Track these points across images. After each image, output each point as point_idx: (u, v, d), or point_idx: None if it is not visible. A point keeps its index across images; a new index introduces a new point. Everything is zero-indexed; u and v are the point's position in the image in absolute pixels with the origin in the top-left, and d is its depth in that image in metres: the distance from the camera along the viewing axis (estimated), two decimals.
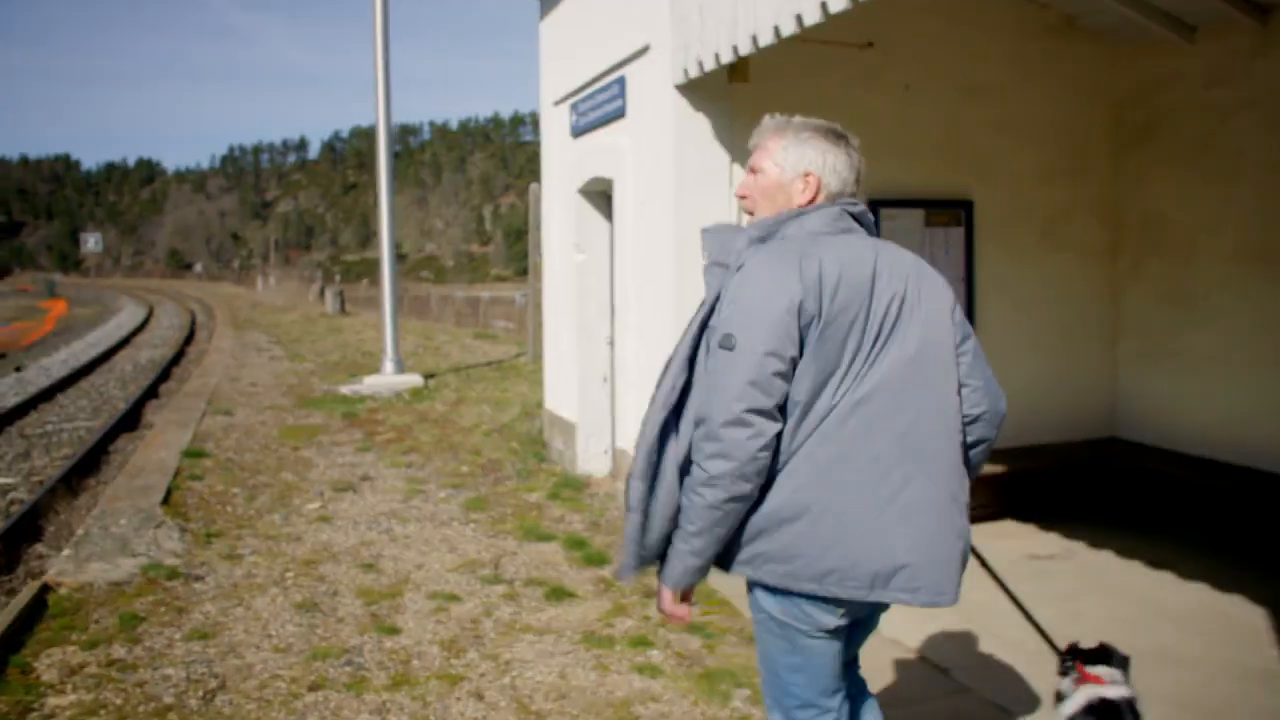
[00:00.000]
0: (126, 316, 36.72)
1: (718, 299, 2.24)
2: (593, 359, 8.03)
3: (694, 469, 2.17)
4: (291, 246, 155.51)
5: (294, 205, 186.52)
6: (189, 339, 25.51)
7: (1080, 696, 2.86)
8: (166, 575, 5.37)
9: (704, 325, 2.26)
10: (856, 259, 2.23)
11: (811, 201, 2.35)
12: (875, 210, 6.52)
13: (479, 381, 13.15)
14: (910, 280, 2.29)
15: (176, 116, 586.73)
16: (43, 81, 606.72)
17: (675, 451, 2.24)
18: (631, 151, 6.75)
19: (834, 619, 2.28)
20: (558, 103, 8.40)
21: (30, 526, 7.27)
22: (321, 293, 35.04)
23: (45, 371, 18.70)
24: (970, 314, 6.77)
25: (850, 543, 2.17)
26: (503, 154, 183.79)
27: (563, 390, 8.55)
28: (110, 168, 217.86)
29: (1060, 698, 2.96)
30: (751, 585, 2.34)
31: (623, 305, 7.07)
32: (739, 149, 6.16)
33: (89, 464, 9.79)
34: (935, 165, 6.77)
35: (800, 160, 2.36)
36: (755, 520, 2.20)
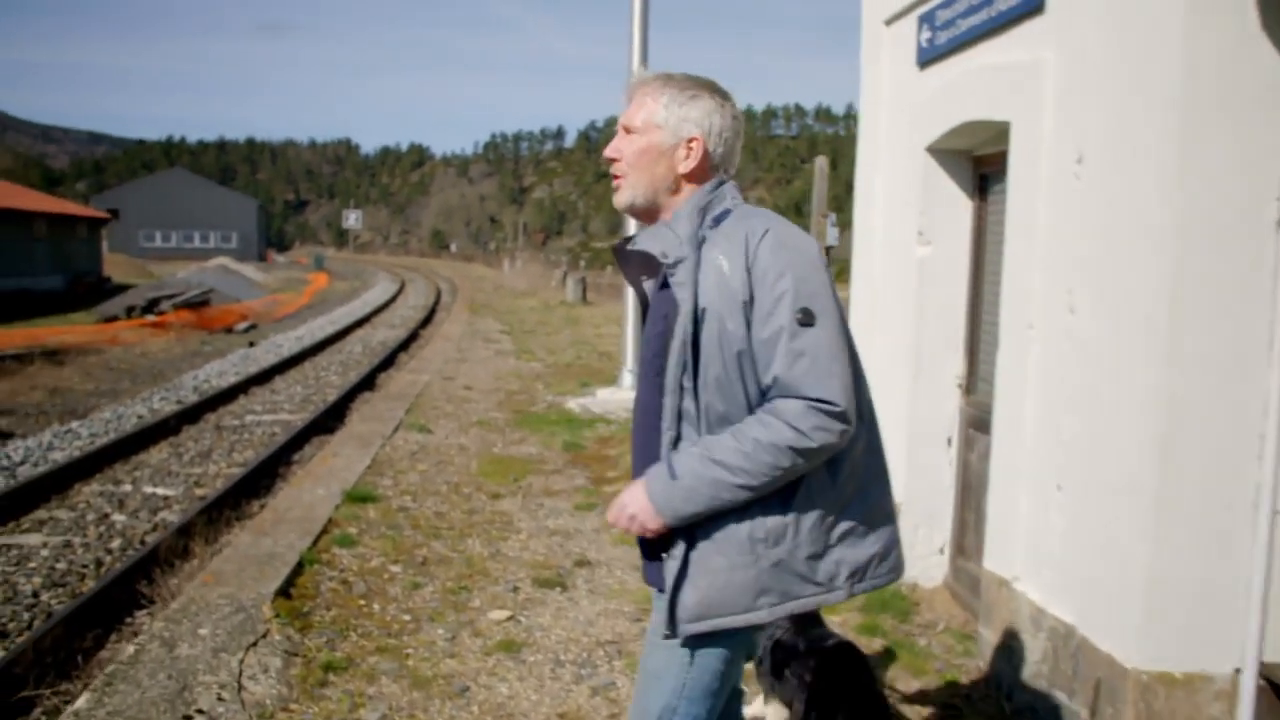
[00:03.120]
0: (377, 293, 36.79)
1: (698, 309, 2.00)
2: (931, 409, 5.24)
3: (778, 426, 1.94)
4: (544, 231, 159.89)
5: (549, 191, 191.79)
6: (427, 320, 24.47)
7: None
8: None
9: (694, 340, 2.01)
10: None
11: (696, 171, 2.14)
12: None
13: None
14: None
15: (445, 105, 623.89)
16: (329, 72, 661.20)
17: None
18: (1055, 70, 3.89)
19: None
20: (895, 18, 5.60)
21: (124, 594, 5.29)
22: (564, 278, 33.60)
23: (275, 349, 17.81)
24: None
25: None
26: (753, 147, 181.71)
27: None
28: (385, 151, 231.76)
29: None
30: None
31: (1010, 329, 4.23)
32: None
33: (264, 476, 7.99)
34: None
35: (684, 122, 2.13)
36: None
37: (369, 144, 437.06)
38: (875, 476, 2.16)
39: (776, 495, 2.00)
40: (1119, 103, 3.49)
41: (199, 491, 7.75)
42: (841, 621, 4.75)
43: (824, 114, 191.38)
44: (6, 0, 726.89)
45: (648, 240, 2.12)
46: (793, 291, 1.96)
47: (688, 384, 2.02)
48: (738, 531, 2.01)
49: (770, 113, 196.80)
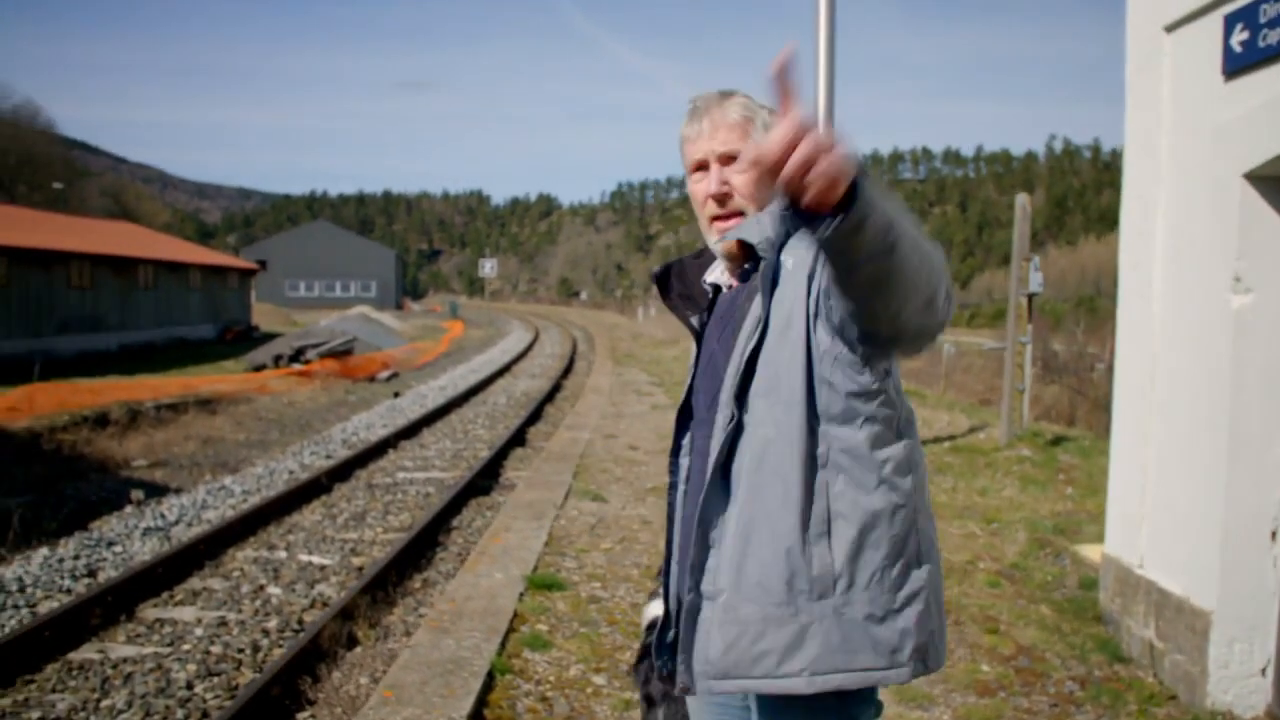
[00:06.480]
0: (513, 341, 36.77)
1: (768, 318, 1.71)
2: (1251, 496, 4.21)
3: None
4: None
5: (674, 239, 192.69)
6: (567, 370, 24.02)
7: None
8: None
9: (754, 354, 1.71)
10: None
11: None
12: None
13: (938, 472, 9.13)
14: None
15: (573, 155, 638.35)
16: (463, 126, 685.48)
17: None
18: None
19: None
20: (1184, 20, 4.66)
21: (285, 691, 4.67)
22: None
23: (420, 400, 17.54)
24: None
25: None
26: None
27: (1164, 535, 4.74)
28: (514, 202, 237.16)
29: None
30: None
31: None
32: None
33: (425, 545, 7.41)
34: None
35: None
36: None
37: (499, 194, 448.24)
38: (931, 536, 1.82)
39: (825, 534, 1.66)
40: None
41: (356, 561, 7.20)
42: None
43: (952, 157, 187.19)
44: (167, 68, 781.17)
45: (749, 228, 1.78)
46: None
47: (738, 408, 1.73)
48: (773, 574, 1.65)
49: (897, 156, 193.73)
